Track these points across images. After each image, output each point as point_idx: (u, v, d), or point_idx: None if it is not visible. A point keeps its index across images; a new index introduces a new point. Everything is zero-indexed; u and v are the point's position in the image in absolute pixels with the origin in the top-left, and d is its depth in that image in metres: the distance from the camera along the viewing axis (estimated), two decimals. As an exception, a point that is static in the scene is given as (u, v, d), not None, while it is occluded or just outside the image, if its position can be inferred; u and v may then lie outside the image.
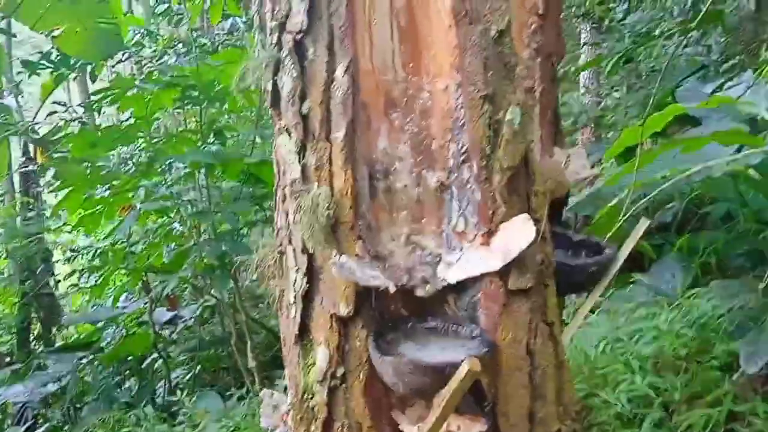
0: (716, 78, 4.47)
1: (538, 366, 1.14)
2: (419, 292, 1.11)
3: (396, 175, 1.16)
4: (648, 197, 2.59)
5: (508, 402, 1.12)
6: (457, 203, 1.14)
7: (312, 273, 1.15)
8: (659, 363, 3.21)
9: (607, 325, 3.42)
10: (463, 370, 1.01)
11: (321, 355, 1.13)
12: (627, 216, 2.57)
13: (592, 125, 5.22)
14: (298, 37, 1.13)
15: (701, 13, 2.62)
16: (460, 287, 1.13)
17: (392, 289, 1.05)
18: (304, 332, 1.17)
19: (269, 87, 1.20)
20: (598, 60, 5.02)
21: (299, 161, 1.14)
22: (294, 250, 1.17)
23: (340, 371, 1.14)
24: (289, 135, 1.16)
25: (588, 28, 5.52)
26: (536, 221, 1.13)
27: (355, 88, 1.13)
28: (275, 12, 1.17)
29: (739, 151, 3.11)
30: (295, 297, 1.16)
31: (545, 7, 1.21)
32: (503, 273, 1.10)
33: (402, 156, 1.16)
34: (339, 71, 1.12)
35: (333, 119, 1.12)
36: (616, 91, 5.68)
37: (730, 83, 3.82)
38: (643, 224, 1.30)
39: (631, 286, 3.55)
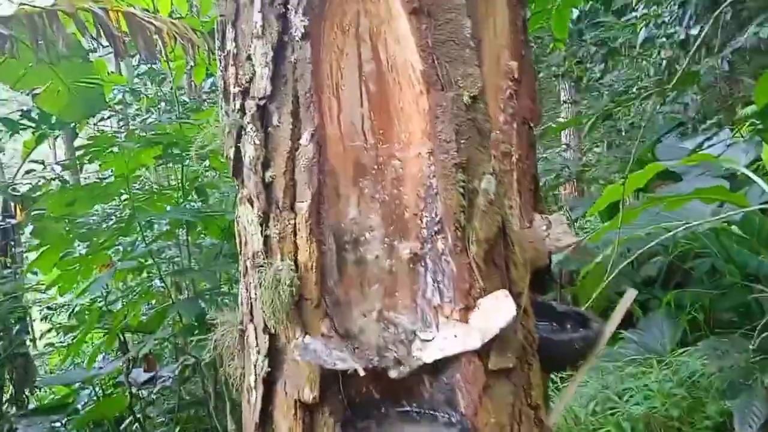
0: (694, 135, 4.53)
1: (523, 454, 1.05)
2: (392, 374, 1.02)
3: (366, 246, 1.09)
4: (634, 255, 2.55)
5: (491, 494, 1.02)
6: (432, 276, 1.06)
7: (274, 354, 1.06)
8: (651, 424, 3.11)
9: (596, 383, 3.34)
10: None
11: (284, 447, 1.03)
12: (613, 274, 2.52)
13: (574, 180, 5.25)
14: (261, 102, 1.08)
15: (678, 74, 2.64)
16: (437, 367, 1.04)
17: (361, 373, 0.97)
18: (265, 420, 1.07)
19: (231, 154, 1.13)
20: (578, 119, 5.10)
21: (261, 233, 1.07)
22: (255, 328, 1.08)
23: (305, 467, 1.04)
24: (251, 205, 1.09)
25: (567, 87, 5.63)
26: (517, 295, 1.06)
27: (322, 156, 1.07)
28: (238, 77, 1.12)
29: (720, 206, 3.11)
30: (255, 380, 1.06)
31: (520, 72, 1.17)
32: (483, 352, 1.02)
33: (373, 225, 1.09)
34: (304, 138, 1.06)
35: (298, 188, 1.06)
36: (597, 146, 5.76)
37: (709, 141, 3.87)
38: (630, 296, 1.23)
39: (620, 342, 3.48)
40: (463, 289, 1.04)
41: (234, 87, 1.14)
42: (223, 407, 4.10)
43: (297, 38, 1.07)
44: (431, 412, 1.04)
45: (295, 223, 1.05)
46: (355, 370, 0.97)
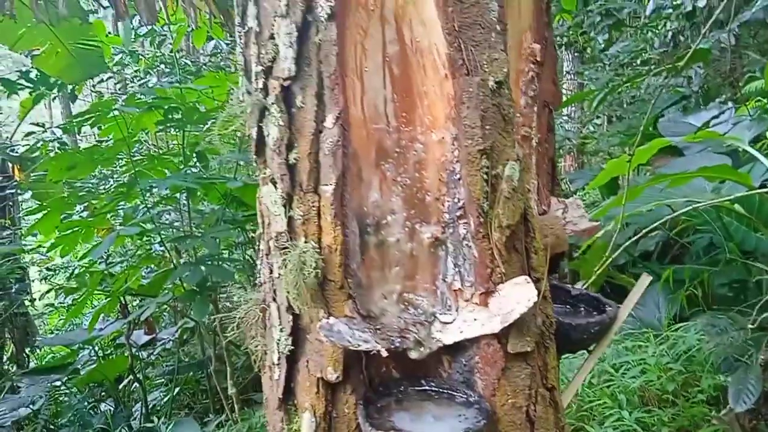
0: (697, 109, 4.52)
1: (538, 434, 1.08)
2: (412, 355, 1.04)
3: (388, 229, 1.10)
4: (641, 233, 2.58)
5: (505, 472, 1.05)
6: (453, 260, 1.08)
7: (298, 333, 1.08)
8: (646, 397, 3.18)
9: (593, 356, 3.38)
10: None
11: (306, 422, 1.05)
12: (617, 252, 2.55)
13: (575, 152, 5.24)
14: (286, 83, 1.07)
15: (689, 53, 2.62)
16: (456, 349, 1.07)
17: (384, 354, 0.99)
18: (288, 396, 1.09)
19: (254, 134, 1.13)
20: (586, 93, 5.05)
21: (285, 214, 1.08)
22: (278, 307, 1.10)
23: (327, 439, 1.07)
24: (275, 186, 1.09)
25: (570, 58, 5.57)
26: (536, 280, 1.08)
27: (346, 139, 1.07)
28: (261, 56, 1.11)
29: (722, 182, 3.12)
30: (279, 358, 1.09)
31: (542, 54, 1.17)
32: (502, 335, 1.04)
33: (394, 209, 1.10)
34: (329, 121, 1.06)
35: (322, 171, 1.06)
36: (598, 118, 5.73)
37: (716, 120, 3.86)
38: (644, 281, 1.25)
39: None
40: (484, 274, 1.06)
41: (256, 66, 1.13)
42: (223, 369, 4.17)
43: (322, 18, 1.06)
44: (449, 391, 1.07)
45: (319, 206, 1.05)
46: (378, 351, 0.99)
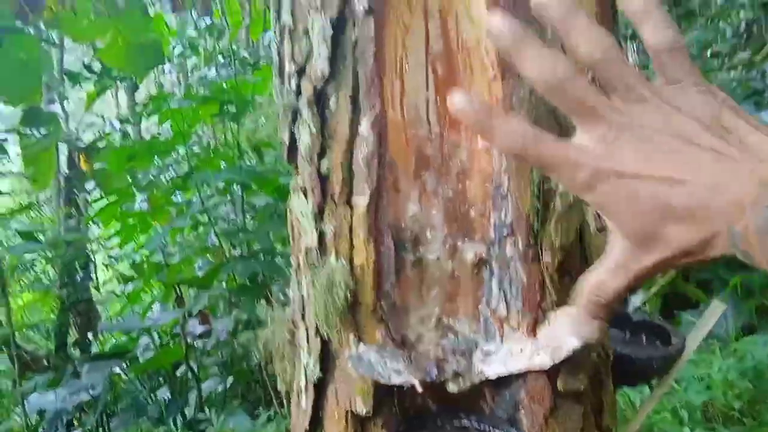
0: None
1: (590, 482, 0.96)
2: (451, 388, 0.94)
3: (427, 246, 0.99)
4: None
5: None
6: (498, 283, 0.97)
7: (326, 359, 0.99)
8: (710, 414, 2.98)
9: (654, 368, 3.20)
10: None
11: (334, 456, 0.97)
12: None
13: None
14: (319, 84, 0.98)
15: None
16: (499, 382, 0.96)
17: (419, 388, 0.89)
18: (315, 427, 1.01)
19: (286, 138, 1.05)
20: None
21: (315, 228, 0.99)
22: (307, 329, 1.01)
23: (355, 476, 0.98)
24: (305, 196, 1.01)
25: (635, 50, 5.29)
26: (592, 308, 0.95)
27: (382, 146, 0.98)
28: (294, 54, 1.02)
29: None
30: (306, 385, 1.00)
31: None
32: (551, 371, 0.93)
33: (434, 224, 0.99)
34: (364, 126, 0.97)
35: (355, 182, 0.97)
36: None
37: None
38: (717, 309, 1.10)
39: (679, 326, 3.32)
40: (533, 300, 0.94)
41: (290, 64, 1.04)
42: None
43: (360, 13, 0.96)
44: (492, 428, 0.96)
45: (351, 220, 0.96)
46: (412, 384, 0.89)
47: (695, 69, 0.63)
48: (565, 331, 0.91)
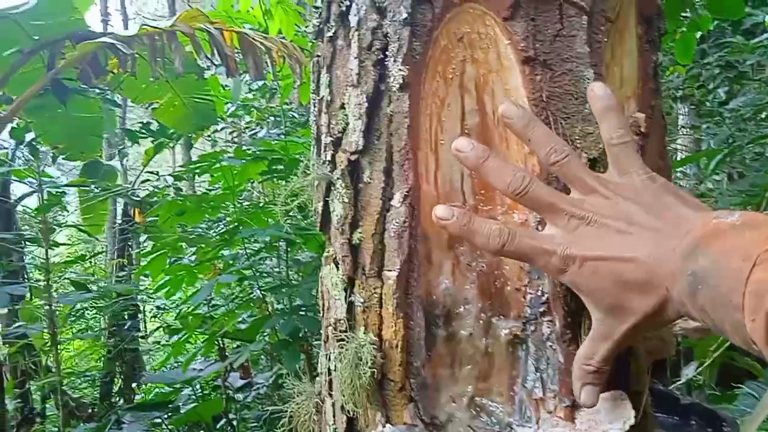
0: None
1: None
2: (482, 473, 0.90)
3: (460, 321, 0.97)
4: None
5: None
6: (534, 363, 0.93)
7: (352, 437, 0.96)
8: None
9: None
10: None
11: None
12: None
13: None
14: (353, 157, 0.99)
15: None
16: (534, 469, 0.91)
17: (447, 474, 0.85)
18: None
19: (319, 208, 1.05)
20: (698, 155, 4.66)
21: (345, 299, 0.98)
22: (333, 404, 0.99)
23: None
24: (337, 266, 1.00)
25: (686, 111, 5.19)
26: (635, 394, 0.90)
27: (415, 219, 0.97)
28: (331, 126, 1.04)
29: None
30: (332, 463, 0.97)
31: (648, 125, 1.01)
32: (590, 460, 0.87)
33: (468, 298, 0.97)
34: (396, 199, 0.96)
35: (387, 254, 0.96)
36: (717, 175, 5.24)
37: None
38: (775, 398, 1.02)
39: (738, 397, 3.09)
40: (571, 383, 0.89)
41: (326, 137, 1.06)
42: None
43: (395, 88, 0.97)
44: None
45: (381, 294, 0.94)
46: (440, 469, 0.85)
47: (640, 161, 0.81)
48: (605, 417, 0.85)
